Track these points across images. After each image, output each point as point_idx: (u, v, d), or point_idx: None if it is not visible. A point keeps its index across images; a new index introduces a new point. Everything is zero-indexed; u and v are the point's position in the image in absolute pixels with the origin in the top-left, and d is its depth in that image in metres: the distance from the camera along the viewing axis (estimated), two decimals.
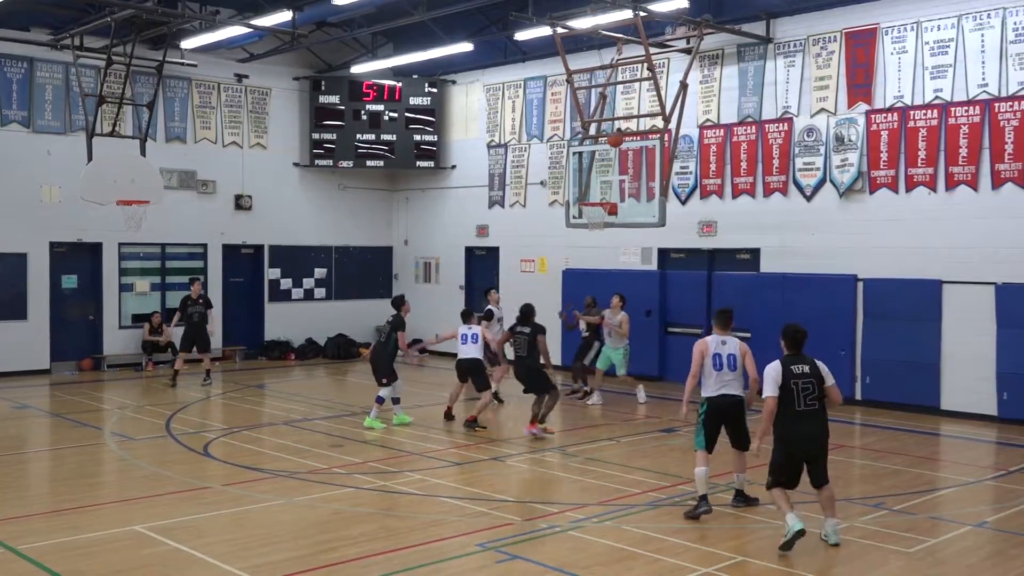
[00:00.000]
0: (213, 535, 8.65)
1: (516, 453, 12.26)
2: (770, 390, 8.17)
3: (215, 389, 17.67)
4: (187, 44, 19.17)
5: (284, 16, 17.47)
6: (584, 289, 18.24)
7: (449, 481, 10.67)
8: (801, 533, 8.00)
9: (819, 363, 8.17)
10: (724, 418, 9.29)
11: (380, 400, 13.93)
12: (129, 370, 20.03)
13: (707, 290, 18.08)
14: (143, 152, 18.06)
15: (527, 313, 13.48)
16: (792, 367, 8.19)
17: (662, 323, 18.67)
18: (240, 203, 21.88)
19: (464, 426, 13.64)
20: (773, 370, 8.20)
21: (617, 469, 11.26)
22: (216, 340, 19.35)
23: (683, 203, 18.34)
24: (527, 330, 13.25)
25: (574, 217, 15.02)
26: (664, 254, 19.00)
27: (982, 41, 14.82)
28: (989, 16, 14.77)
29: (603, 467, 11.37)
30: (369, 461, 11.63)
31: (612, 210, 14.41)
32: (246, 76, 21.93)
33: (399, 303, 14.45)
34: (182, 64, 20.24)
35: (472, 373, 14.06)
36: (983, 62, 14.81)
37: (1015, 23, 14.52)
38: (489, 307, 16.74)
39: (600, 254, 19.51)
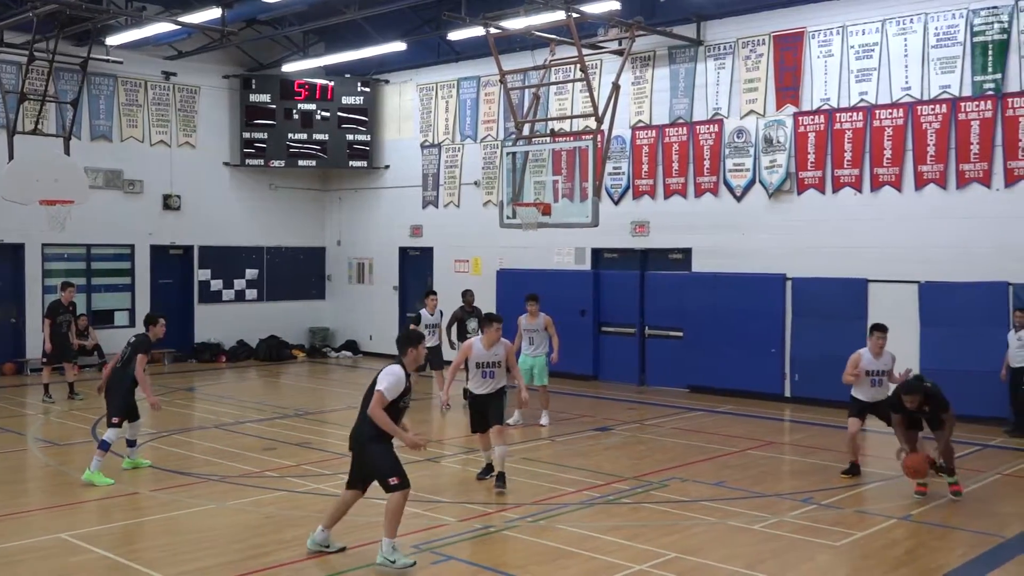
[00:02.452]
0: (142, 541, 8.52)
1: (451, 454, 12.24)
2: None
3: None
4: (113, 40, 18.79)
5: (213, 13, 17.21)
6: (519, 289, 18.28)
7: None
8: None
9: None
10: None
11: (104, 446, 10.62)
12: (54, 374, 19.54)
13: (640, 290, 18.21)
14: (67, 151, 17.62)
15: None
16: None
17: (596, 323, 18.79)
18: (168, 203, 21.55)
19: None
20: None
21: (552, 468, 11.31)
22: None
23: (616, 203, 18.46)
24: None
25: (508, 217, 15.02)
26: (597, 254, 19.12)
27: (905, 45, 15.19)
28: (912, 21, 15.15)
29: (538, 466, 11.41)
30: (303, 464, 11.54)
31: (546, 210, 14.43)
32: (174, 74, 21.58)
33: (149, 321, 11.54)
34: (107, 61, 19.83)
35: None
36: (906, 66, 15.18)
37: (936, 28, 14.92)
38: (421, 310, 15.94)
39: (534, 254, 19.58)
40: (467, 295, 16.10)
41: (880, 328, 11.02)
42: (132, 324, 21.00)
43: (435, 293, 16.40)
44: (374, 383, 7.67)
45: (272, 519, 9.13)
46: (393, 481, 7.58)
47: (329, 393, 17.39)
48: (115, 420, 10.84)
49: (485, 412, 10.49)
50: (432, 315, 15.76)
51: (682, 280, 17.60)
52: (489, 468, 10.57)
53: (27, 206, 17.26)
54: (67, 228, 17.43)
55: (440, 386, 14.33)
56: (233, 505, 9.65)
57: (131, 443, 11.24)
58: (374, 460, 7.68)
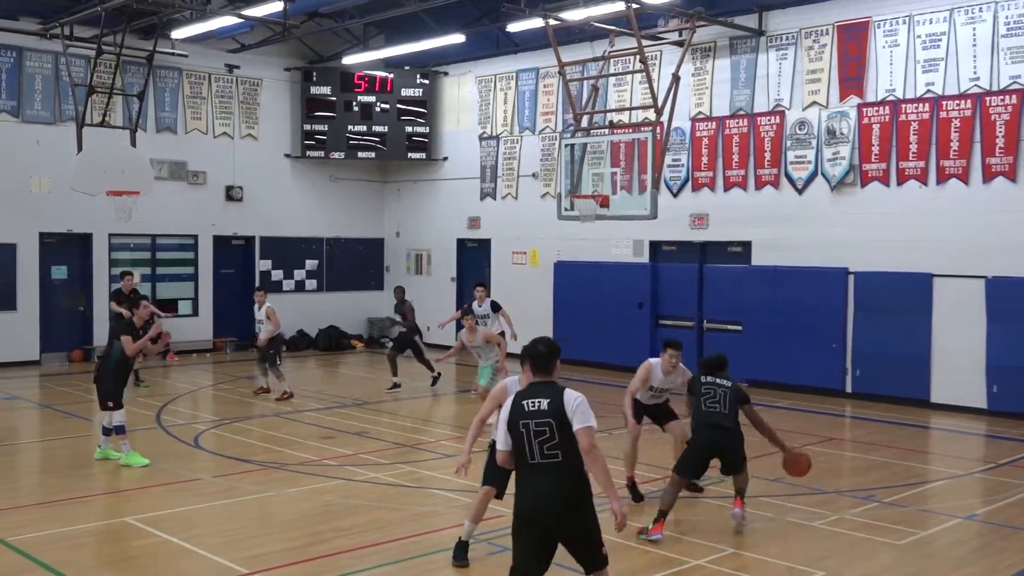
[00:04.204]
0: (204, 527, 8.65)
1: None
2: None
3: (204, 379, 17.62)
4: (178, 34, 19.07)
5: (276, 6, 17.37)
6: (577, 281, 18.25)
7: (440, 473, 10.64)
8: None
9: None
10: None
11: (120, 430, 10.94)
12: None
13: (698, 283, 18.07)
14: (133, 142, 17.97)
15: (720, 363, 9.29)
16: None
17: (653, 315, 18.69)
18: (231, 194, 21.84)
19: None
20: None
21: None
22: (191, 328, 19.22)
23: (675, 196, 18.34)
24: (726, 384, 8.98)
25: (566, 209, 14.99)
26: (656, 247, 19.00)
27: (974, 35, 14.84)
28: (981, 10, 14.79)
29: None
30: (360, 453, 11.62)
31: (604, 202, 14.38)
32: (237, 66, 21.86)
33: (132, 303, 11.92)
34: (173, 54, 20.13)
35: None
36: (975, 56, 14.83)
37: (1007, 17, 14.54)
38: (472, 302, 16.08)
39: (592, 246, 19.51)
40: (398, 292, 16.63)
41: (674, 345, 9.62)
42: (195, 313, 21.41)
43: (484, 285, 16.59)
44: (557, 419, 5.59)
45: (331, 507, 9.23)
46: (604, 551, 5.74)
47: (387, 383, 17.46)
48: (110, 404, 10.90)
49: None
50: (481, 307, 15.91)
51: (741, 273, 17.45)
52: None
53: (95, 197, 17.61)
54: (133, 218, 17.73)
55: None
56: (292, 493, 9.76)
57: (106, 432, 11.14)
58: (595, 525, 5.68)
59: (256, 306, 16.27)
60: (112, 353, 11.07)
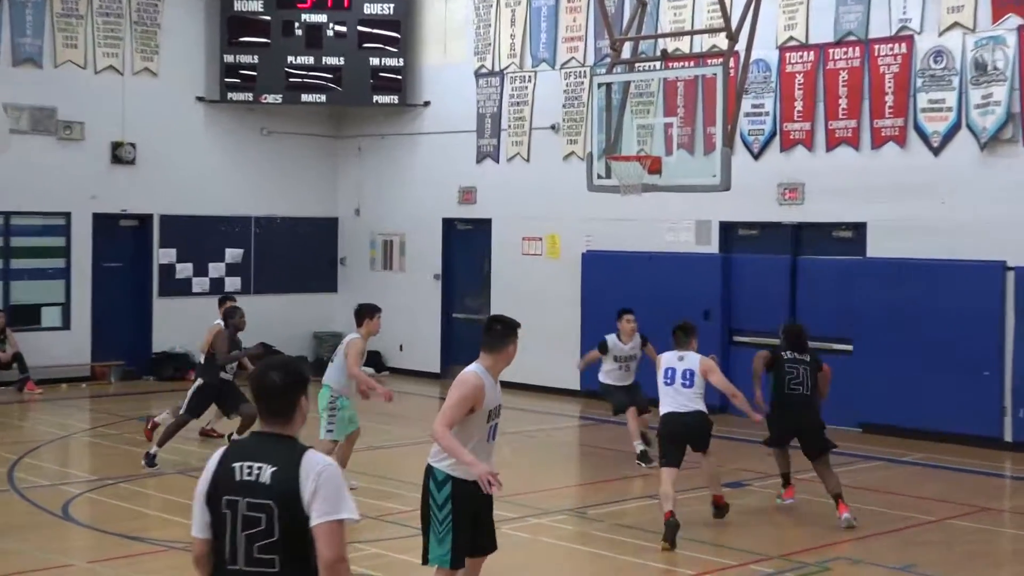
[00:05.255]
0: None
1: (516, 517, 12.14)
2: None
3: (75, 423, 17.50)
4: None
5: None
6: (614, 280, 18.15)
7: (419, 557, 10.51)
8: None
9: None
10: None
11: None
12: None
13: (790, 282, 18.04)
14: None
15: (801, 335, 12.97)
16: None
17: (725, 329, 18.64)
18: (119, 154, 21.74)
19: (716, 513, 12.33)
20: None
21: (660, 540, 11.27)
22: None
23: (756, 157, 18.31)
24: (806, 358, 12.61)
25: (599, 176, 15.00)
26: (729, 230, 19.02)
27: None
28: None
29: (638, 537, 11.41)
30: None
31: (654, 166, 14.41)
32: None
33: None
34: None
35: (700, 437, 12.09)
36: None
37: None
38: (609, 337, 15.23)
39: (636, 230, 19.40)
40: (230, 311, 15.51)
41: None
42: (65, 325, 21.33)
43: (631, 312, 15.32)
44: (283, 503, 5.05)
45: None
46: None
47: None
48: None
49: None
50: (628, 344, 15.15)
51: (852, 269, 17.44)
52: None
53: None
54: None
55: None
56: None
57: None
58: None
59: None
60: None
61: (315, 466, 4.91)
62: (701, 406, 11.73)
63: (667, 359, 11.93)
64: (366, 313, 13.31)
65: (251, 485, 4.92)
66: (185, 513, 11.89)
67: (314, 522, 4.84)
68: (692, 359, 11.81)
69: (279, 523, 4.87)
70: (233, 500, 4.94)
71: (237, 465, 4.99)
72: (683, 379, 11.68)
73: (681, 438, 11.62)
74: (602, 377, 15.38)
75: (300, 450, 4.98)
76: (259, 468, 4.94)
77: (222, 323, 15.12)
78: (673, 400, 11.64)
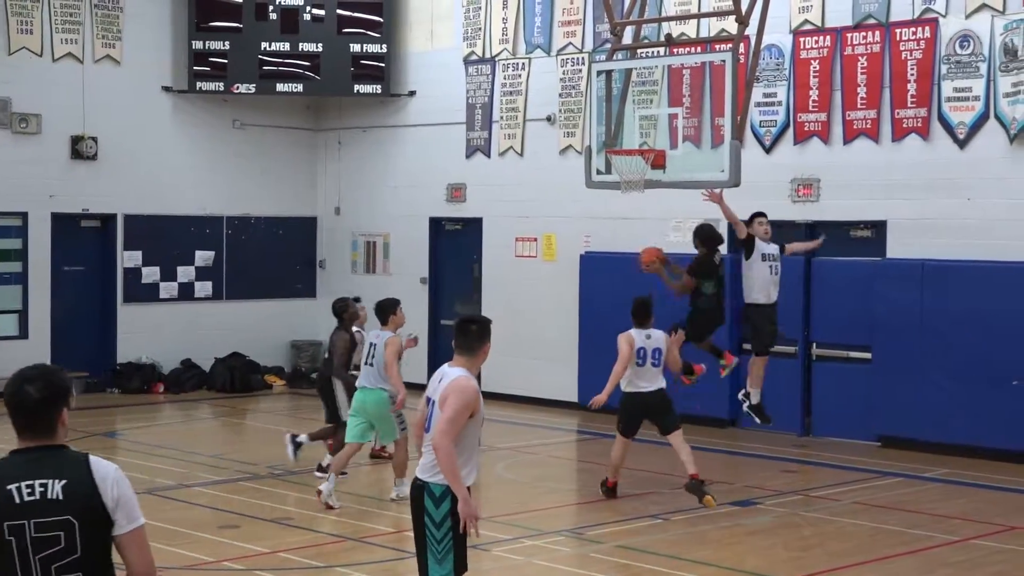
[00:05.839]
0: None
1: (509, 538, 12.22)
2: None
3: None
4: None
5: None
6: (613, 282, 18.12)
7: None
8: None
9: None
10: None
11: None
12: None
13: (803, 285, 18.00)
14: None
15: None
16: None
17: (734, 339, 18.38)
18: (79, 149, 21.68)
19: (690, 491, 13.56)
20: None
21: (667, 564, 11.48)
22: None
23: (767, 151, 18.38)
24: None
25: (599, 171, 15.04)
26: None
27: None
28: None
29: (645, 560, 11.57)
30: (279, 550, 11.64)
31: (658, 161, 14.41)
32: None
33: None
34: None
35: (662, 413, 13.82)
36: None
37: None
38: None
39: (639, 229, 19.24)
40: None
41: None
42: (22, 334, 21.23)
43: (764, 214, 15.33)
44: (82, 515, 5.15)
45: None
46: None
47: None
48: None
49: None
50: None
51: (872, 271, 17.44)
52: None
53: None
54: None
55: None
56: None
57: None
58: None
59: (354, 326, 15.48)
60: None
61: (108, 472, 4.87)
62: (663, 383, 13.54)
63: (636, 338, 13.38)
64: (389, 309, 13.91)
65: (38, 504, 4.76)
66: (156, 536, 11.72)
67: (124, 531, 4.86)
68: (658, 336, 13.56)
69: (81, 538, 4.78)
70: (17, 525, 4.76)
71: (13, 487, 4.79)
72: (653, 358, 13.40)
73: (643, 415, 13.54)
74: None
75: (83, 458, 4.90)
76: (43, 485, 4.79)
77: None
78: (641, 378, 13.37)
